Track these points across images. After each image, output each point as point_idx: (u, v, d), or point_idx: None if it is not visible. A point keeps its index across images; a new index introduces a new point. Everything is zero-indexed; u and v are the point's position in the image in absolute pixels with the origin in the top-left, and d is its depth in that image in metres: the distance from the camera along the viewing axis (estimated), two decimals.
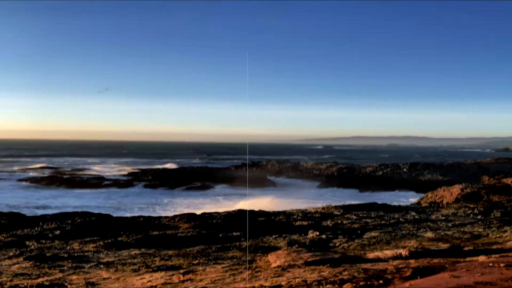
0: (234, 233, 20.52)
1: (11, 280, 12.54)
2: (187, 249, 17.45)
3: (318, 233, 20.09)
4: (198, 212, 27.11)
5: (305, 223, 23.21)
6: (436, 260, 11.72)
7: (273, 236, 19.89)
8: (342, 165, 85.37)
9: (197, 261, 14.85)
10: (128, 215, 30.86)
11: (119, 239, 19.36)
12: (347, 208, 28.70)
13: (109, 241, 18.92)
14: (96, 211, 30.28)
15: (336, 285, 9.09)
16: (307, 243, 18.04)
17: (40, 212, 36.63)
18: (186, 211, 33.08)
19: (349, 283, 9.09)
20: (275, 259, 13.47)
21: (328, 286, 9.13)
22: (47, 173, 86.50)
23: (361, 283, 9.02)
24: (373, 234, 19.98)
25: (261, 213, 26.74)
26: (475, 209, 27.55)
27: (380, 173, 75.16)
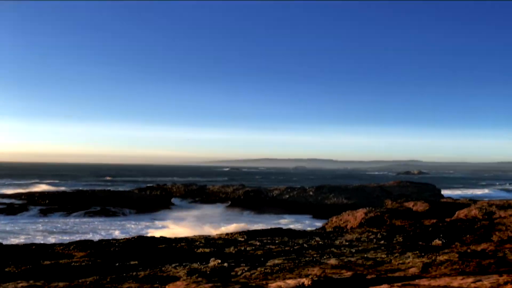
0: (132, 262, 19.46)
1: None
2: (79, 280, 16.24)
3: (220, 261, 19.37)
4: (96, 239, 25.81)
5: (207, 250, 22.46)
6: None
7: (173, 265, 19.00)
8: (249, 188, 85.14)
9: None
10: (20, 242, 29.06)
11: (6, 269, 17.88)
12: (251, 234, 28.15)
13: None
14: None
15: None
16: (208, 272, 17.30)
17: None
18: (83, 238, 31.56)
19: None
20: None
21: None
22: None
23: None
24: (276, 261, 19.47)
25: (162, 239, 25.73)
26: (378, 234, 27.67)
27: (287, 196, 75.41)
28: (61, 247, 23.61)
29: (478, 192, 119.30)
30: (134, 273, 17.44)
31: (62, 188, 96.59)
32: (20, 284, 15.79)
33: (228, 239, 26.33)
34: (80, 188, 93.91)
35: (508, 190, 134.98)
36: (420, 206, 41.41)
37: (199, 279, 14.50)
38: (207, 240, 26.24)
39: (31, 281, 16.32)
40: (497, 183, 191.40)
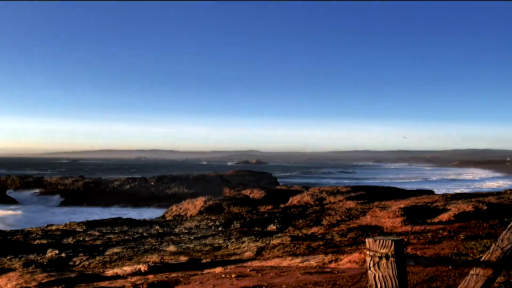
0: None
1: None
2: None
3: (57, 252, 19.12)
4: None
5: (44, 241, 22.01)
6: (174, 274, 11.68)
7: (8, 257, 18.47)
8: (88, 179, 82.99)
9: None
10: None
11: None
12: (91, 224, 27.84)
13: None
14: None
15: None
16: (45, 263, 17.03)
17: None
18: None
19: None
20: (6, 283, 12.44)
21: None
22: None
23: None
24: (115, 250, 19.54)
25: None
26: (217, 221, 28.46)
27: (128, 187, 74.47)
28: None
29: (310, 180, 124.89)
30: None
31: None
32: None
33: (67, 230, 25.86)
34: None
35: (337, 178, 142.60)
36: (256, 194, 42.98)
37: (35, 269, 14.27)
38: (45, 231, 25.59)
39: None
40: (329, 171, 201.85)
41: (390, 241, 3.69)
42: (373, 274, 3.75)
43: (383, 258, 3.71)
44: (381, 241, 3.72)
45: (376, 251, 3.74)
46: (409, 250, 13.30)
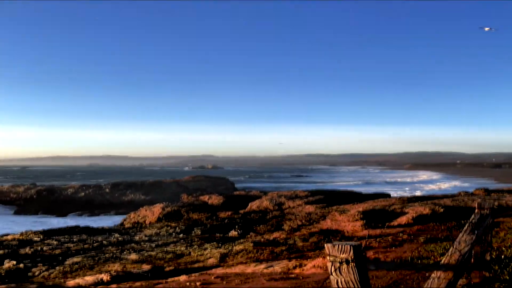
0: None
1: None
2: None
3: (15, 263, 18.88)
4: None
5: (0, 252, 21.69)
6: (138, 284, 11.76)
7: None
8: (41, 187, 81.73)
9: None
10: None
11: None
12: (48, 233, 27.54)
13: None
14: None
15: None
16: (3, 274, 16.86)
17: None
18: None
19: None
20: None
21: None
22: None
23: None
24: (75, 259, 19.42)
25: None
26: (177, 228, 28.52)
27: (82, 194, 73.66)
28: None
29: (267, 184, 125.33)
30: None
31: None
32: None
33: (23, 240, 25.52)
34: None
35: (294, 182, 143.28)
36: (215, 200, 43.10)
37: None
38: (0, 242, 25.24)
39: None
40: (285, 175, 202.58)
41: (349, 246, 3.74)
42: (335, 279, 3.80)
43: (344, 263, 3.75)
44: (340, 246, 3.77)
45: (336, 256, 3.78)
46: (371, 253, 13.56)
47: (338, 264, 3.78)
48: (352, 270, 3.77)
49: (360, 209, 27.22)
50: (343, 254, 3.77)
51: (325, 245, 3.90)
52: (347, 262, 3.76)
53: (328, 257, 3.85)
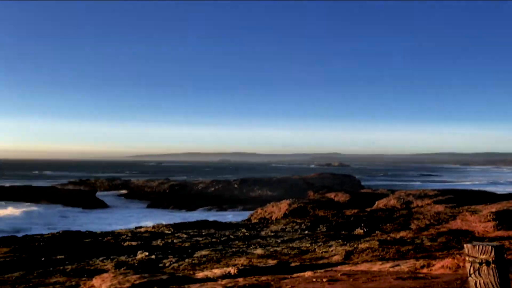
0: (58, 256, 19.40)
1: None
2: (5, 276, 16.12)
3: (147, 254, 19.57)
4: (18, 235, 25.46)
5: (134, 243, 22.56)
6: (264, 278, 11.71)
7: (100, 258, 19.05)
8: (174, 182, 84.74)
9: None
10: None
11: None
12: (178, 227, 28.39)
13: None
14: None
15: None
16: (136, 264, 17.48)
17: None
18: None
19: None
20: (100, 283, 12.79)
21: None
22: None
23: None
24: (203, 252, 19.83)
25: (88, 234, 25.64)
26: (303, 224, 28.45)
27: (212, 189, 75.54)
28: None
29: (396, 182, 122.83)
30: (61, 267, 17.44)
31: None
32: None
33: (155, 232, 26.47)
34: None
35: (422, 181, 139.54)
36: (341, 197, 42.66)
37: (127, 271, 14.67)
38: (134, 233, 26.30)
39: None
40: (413, 174, 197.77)
41: (490, 247, 3.57)
42: (474, 281, 3.63)
43: (484, 265, 3.57)
44: (481, 247, 3.60)
45: (475, 257, 3.60)
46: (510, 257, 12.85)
47: (477, 265, 3.62)
48: (493, 271, 3.59)
49: (493, 210, 25.92)
50: (483, 255, 3.60)
51: (465, 245, 3.76)
52: (488, 263, 3.58)
53: (467, 258, 3.70)
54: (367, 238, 22.57)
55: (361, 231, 26.37)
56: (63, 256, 19.36)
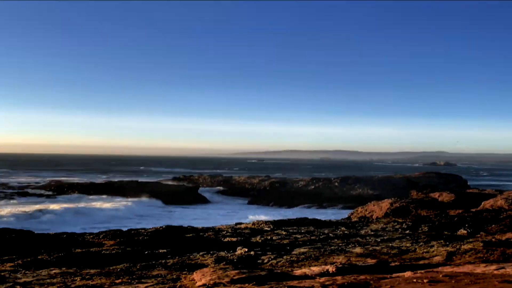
0: (161, 250, 19.97)
1: None
2: (110, 268, 16.76)
3: (246, 250, 19.76)
4: (124, 229, 26.41)
5: (234, 239, 22.85)
6: (362, 277, 11.56)
7: (201, 253, 19.45)
8: (274, 179, 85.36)
9: (119, 280, 14.21)
10: (51, 232, 29.73)
11: (39, 257, 18.43)
12: (278, 224, 28.50)
13: (28, 259, 17.97)
14: (18, 227, 29.17)
15: None
16: (235, 260, 17.70)
17: None
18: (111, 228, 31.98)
19: None
20: (200, 277, 13.04)
21: None
22: None
23: None
24: (302, 250, 19.81)
25: (190, 229, 26.24)
26: (404, 224, 27.85)
27: (312, 187, 75.52)
28: (91, 236, 24.22)
29: (505, 183, 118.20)
30: (163, 261, 17.95)
31: (87, 180, 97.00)
32: (53, 271, 16.33)
33: (255, 229, 26.70)
34: (108, 180, 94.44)
35: None
36: (445, 197, 41.40)
37: (226, 266, 14.89)
38: (234, 229, 26.65)
39: (64, 268, 16.87)
40: None
41: None
42: None
43: None
44: None
45: None
46: None
47: None
48: None
49: None
50: None
51: None
52: None
53: None
54: (471, 239, 21.75)
55: (465, 232, 25.48)
56: (165, 250, 19.92)
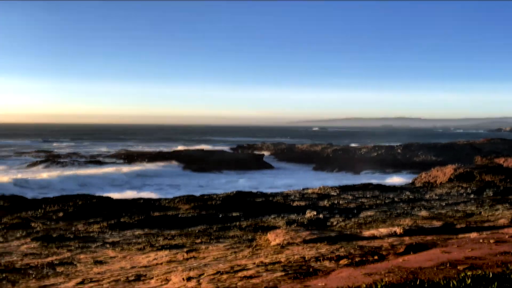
0: (234, 214, 21.04)
1: (21, 259, 12.99)
2: (189, 229, 17.92)
3: (315, 213, 20.59)
4: (197, 194, 27.60)
5: (302, 203, 23.70)
6: (429, 237, 12.17)
7: (272, 216, 20.41)
8: (337, 146, 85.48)
9: (199, 240, 15.29)
10: (129, 197, 31.23)
11: (121, 220, 19.79)
12: (343, 189, 29.22)
13: (112, 222, 19.35)
14: (98, 193, 30.83)
15: (333, 261, 9.47)
16: (305, 222, 18.54)
17: (41, 195, 36.38)
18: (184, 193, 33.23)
19: (345, 259, 9.50)
20: (274, 238, 13.89)
21: (325, 262, 9.50)
22: (42, 156, 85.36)
23: (356, 259, 9.42)
24: (369, 213, 20.51)
25: (259, 194, 27.27)
26: (468, 189, 28.10)
27: (375, 154, 75.34)
28: (167, 201, 25.58)
29: None
30: (237, 223, 19.03)
31: (158, 149, 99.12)
32: (137, 232, 17.62)
33: (322, 194, 27.51)
34: (175, 149, 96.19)
35: None
36: (511, 162, 41.02)
37: (298, 227, 15.77)
38: (302, 194, 27.55)
39: (146, 230, 18.15)
40: None
41: None
42: None
43: None
44: None
45: None
46: None
47: None
48: None
49: None
50: None
51: None
52: None
53: None
54: None
55: None
56: (238, 214, 20.98)
